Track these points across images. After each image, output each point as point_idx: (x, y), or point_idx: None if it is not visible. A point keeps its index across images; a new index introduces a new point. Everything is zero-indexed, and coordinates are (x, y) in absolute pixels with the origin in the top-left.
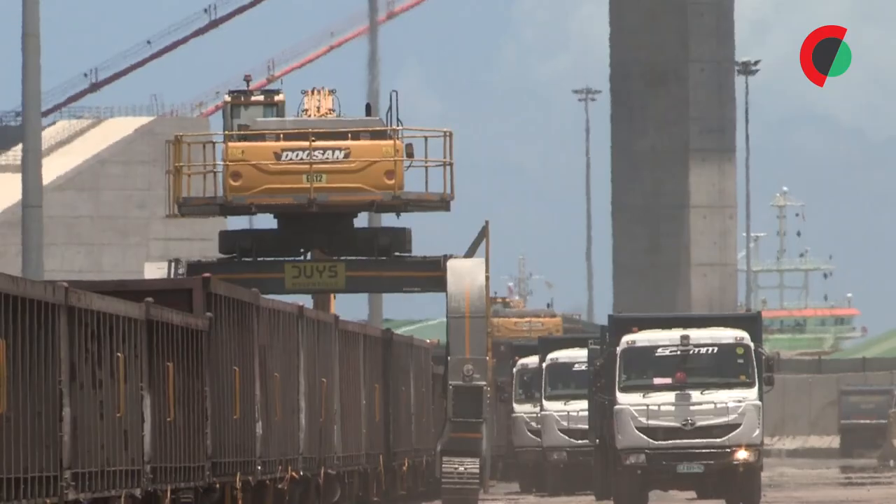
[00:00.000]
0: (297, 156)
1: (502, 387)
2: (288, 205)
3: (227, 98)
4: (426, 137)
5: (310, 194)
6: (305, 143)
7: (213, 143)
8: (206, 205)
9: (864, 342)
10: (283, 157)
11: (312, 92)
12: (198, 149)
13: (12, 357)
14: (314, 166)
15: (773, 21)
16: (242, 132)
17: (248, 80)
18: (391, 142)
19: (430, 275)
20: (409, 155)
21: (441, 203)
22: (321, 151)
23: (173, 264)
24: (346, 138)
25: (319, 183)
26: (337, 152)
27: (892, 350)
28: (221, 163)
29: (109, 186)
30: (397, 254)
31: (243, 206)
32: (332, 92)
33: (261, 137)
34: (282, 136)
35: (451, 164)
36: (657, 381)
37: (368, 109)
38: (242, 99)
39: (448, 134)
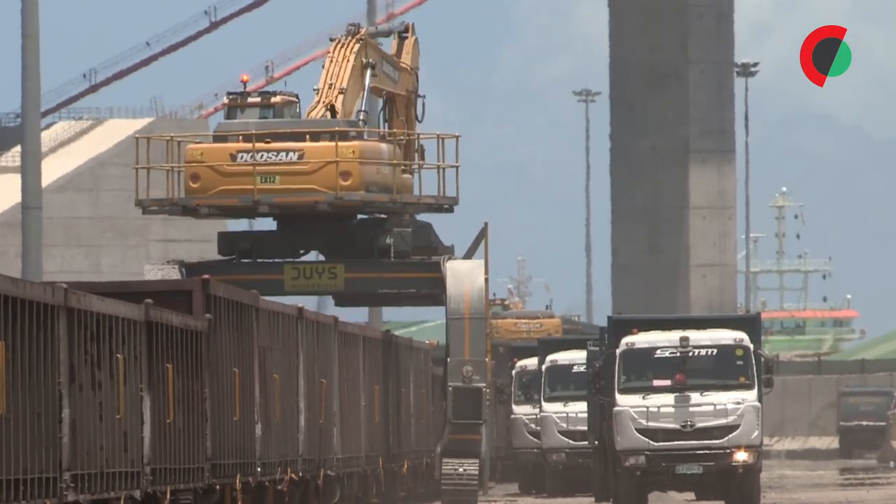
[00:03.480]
0: (251, 157)
1: (501, 388)
2: (234, 206)
3: (226, 100)
4: (426, 139)
5: (254, 195)
6: (260, 144)
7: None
8: (163, 206)
9: (863, 344)
10: (239, 159)
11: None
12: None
13: (12, 358)
14: (267, 167)
15: (773, 22)
16: (214, 133)
17: (244, 81)
18: (352, 143)
19: (430, 276)
20: (421, 157)
21: (434, 206)
22: (275, 153)
23: (166, 266)
24: (304, 139)
25: (273, 184)
26: (291, 154)
27: (892, 352)
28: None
29: (109, 188)
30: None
31: (191, 207)
32: (359, 41)
33: (223, 139)
34: (240, 138)
35: (453, 168)
36: (656, 382)
37: (333, 112)
38: (239, 101)
39: (440, 138)
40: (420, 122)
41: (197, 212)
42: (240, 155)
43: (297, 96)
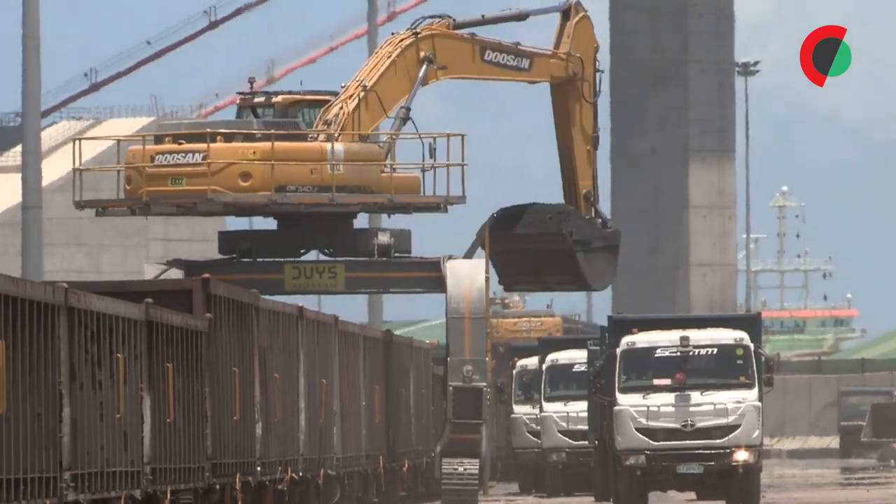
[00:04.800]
0: (165, 159)
1: (502, 388)
2: (139, 207)
3: (237, 100)
4: (425, 138)
5: (144, 196)
6: (172, 146)
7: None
8: (93, 207)
9: (863, 343)
10: (157, 161)
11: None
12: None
13: (12, 358)
14: (175, 169)
15: (773, 22)
16: (155, 134)
17: (251, 81)
18: (256, 144)
19: (430, 275)
20: (431, 155)
21: (421, 206)
22: (183, 154)
23: (159, 266)
24: (216, 140)
25: (180, 185)
26: (196, 155)
27: (892, 351)
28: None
29: (109, 187)
30: (397, 254)
31: (97, 210)
32: (415, 34)
33: (161, 140)
34: (169, 139)
35: (451, 167)
36: (657, 382)
37: (255, 111)
38: (245, 101)
39: (405, 142)
40: (590, 102)
41: (107, 212)
42: (158, 157)
43: (336, 95)
